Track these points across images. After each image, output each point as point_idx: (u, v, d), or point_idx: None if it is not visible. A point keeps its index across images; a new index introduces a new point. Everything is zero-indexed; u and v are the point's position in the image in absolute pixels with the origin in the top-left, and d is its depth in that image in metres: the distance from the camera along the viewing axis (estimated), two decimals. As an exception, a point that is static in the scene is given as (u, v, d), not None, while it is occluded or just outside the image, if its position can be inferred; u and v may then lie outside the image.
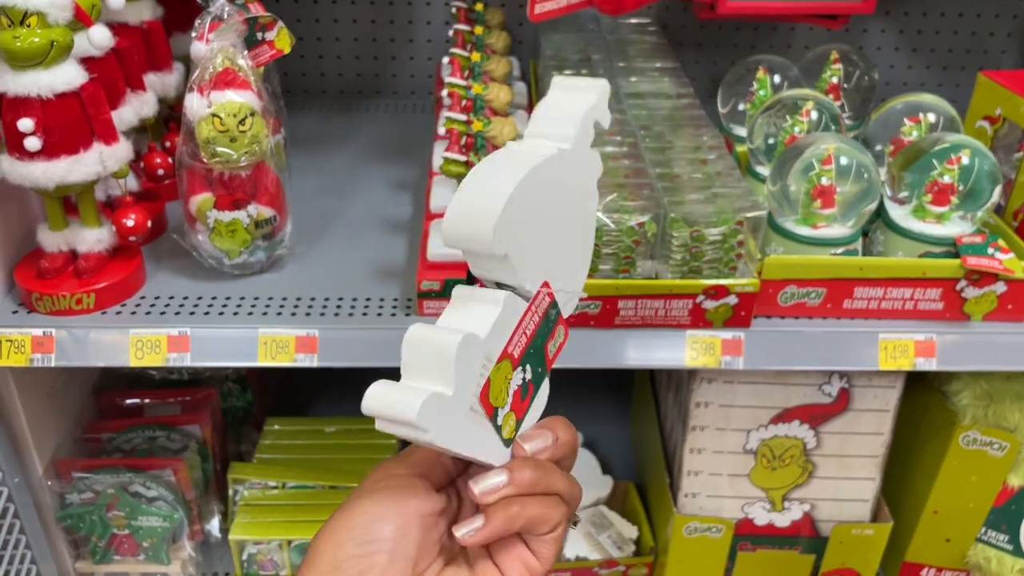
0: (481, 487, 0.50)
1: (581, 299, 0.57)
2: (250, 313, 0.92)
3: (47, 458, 1.09)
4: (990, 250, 0.87)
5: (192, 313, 0.91)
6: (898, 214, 0.92)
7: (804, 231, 0.90)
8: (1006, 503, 1.07)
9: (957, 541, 1.12)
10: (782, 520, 1.11)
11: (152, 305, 0.93)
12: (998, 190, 0.89)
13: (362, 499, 0.51)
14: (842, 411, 1.03)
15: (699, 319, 0.88)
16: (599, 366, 0.92)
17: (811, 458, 1.06)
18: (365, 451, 1.26)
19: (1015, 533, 1.09)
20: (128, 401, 1.20)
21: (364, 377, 0.51)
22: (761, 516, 1.10)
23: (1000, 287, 0.88)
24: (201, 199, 0.89)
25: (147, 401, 1.21)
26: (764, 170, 1.02)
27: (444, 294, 0.89)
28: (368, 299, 0.94)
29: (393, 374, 0.52)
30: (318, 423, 1.32)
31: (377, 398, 0.46)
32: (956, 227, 0.90)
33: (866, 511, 1.10)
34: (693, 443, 1.06)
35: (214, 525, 1.22)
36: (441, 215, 0.83)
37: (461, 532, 0.49)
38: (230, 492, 1.20)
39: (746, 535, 1.11)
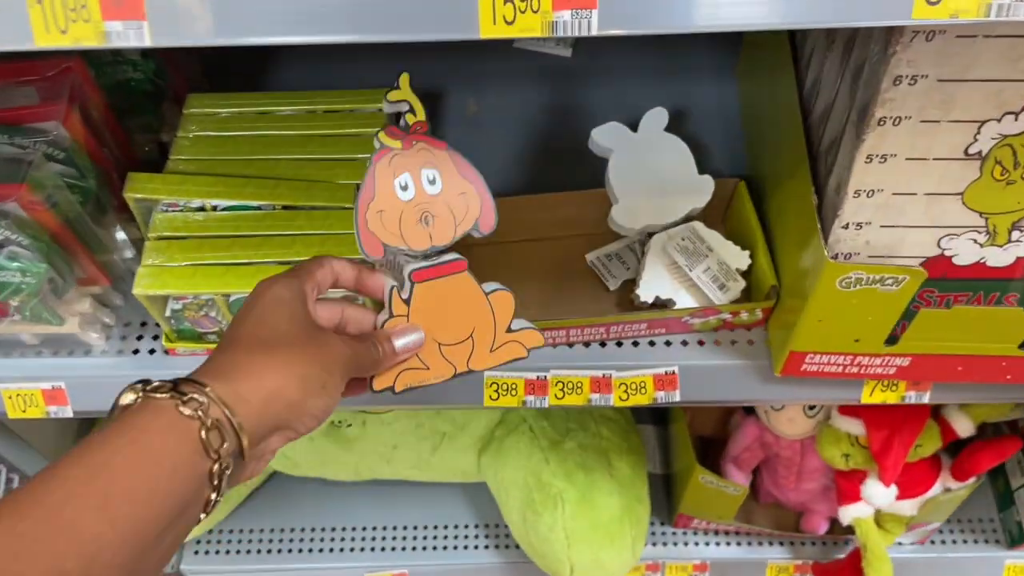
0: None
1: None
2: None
3: None
4: None
5: None
6: None
7: None
8: None
9: None
10: (1001, 257, 0.67)
11: None
12: None
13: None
14: None
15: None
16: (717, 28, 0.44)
17: (1082, 164, 0.60)
18: (341, 147, 0.82)
19: None
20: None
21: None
22: (968, 252, 0.67)
23: None
24: None
25: (-20, 85, 0.76)
26: None
27: None
28: None
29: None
30: (267, 100, 0.87)
31: None
32: None
33: None
34: (876, 145, 0.60)
35: (126, 264, 0.84)
36: None
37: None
38: (139, 214, 0.80)
39: (937, 279, 0.69)
